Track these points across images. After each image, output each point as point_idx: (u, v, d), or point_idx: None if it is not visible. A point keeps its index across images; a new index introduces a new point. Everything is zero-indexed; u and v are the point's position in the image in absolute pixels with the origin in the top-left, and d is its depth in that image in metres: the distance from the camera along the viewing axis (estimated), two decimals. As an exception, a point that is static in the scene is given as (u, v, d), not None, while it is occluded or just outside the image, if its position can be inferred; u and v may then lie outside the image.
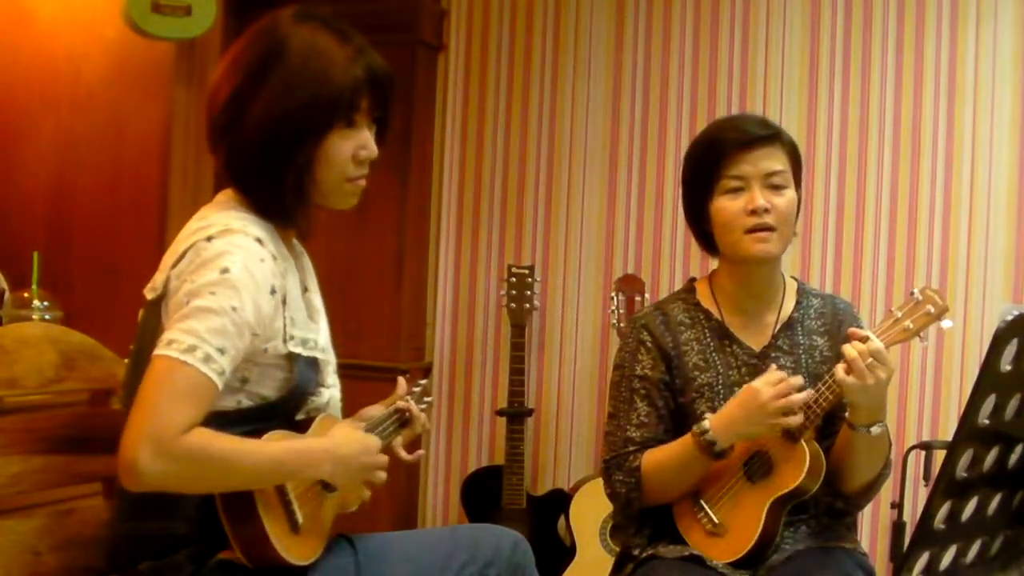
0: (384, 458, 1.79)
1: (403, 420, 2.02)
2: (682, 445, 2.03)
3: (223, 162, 1.76)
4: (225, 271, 1.61)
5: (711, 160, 2.07)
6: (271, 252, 1.69)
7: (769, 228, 2.04)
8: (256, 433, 1.65)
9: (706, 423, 1.99)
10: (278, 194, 1.72)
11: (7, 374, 1.78)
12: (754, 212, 2.03)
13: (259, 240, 1.67)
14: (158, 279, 1.70)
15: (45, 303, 3.02)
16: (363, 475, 1.76)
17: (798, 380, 1.98)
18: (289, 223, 1.77)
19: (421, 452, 2.09)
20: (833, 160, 3.36)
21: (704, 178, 2.08)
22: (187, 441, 1.54)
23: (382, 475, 1.78)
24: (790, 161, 2.09)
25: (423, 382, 2.13)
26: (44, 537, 1.78)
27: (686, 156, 2.16)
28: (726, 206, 2.06)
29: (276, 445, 1.65)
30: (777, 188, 2.05)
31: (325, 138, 1.71)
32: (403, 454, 2.05)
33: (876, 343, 1.91)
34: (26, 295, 3.01)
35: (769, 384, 1.96)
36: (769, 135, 2.07)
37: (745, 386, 1.99)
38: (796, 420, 1.96)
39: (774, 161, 2.06)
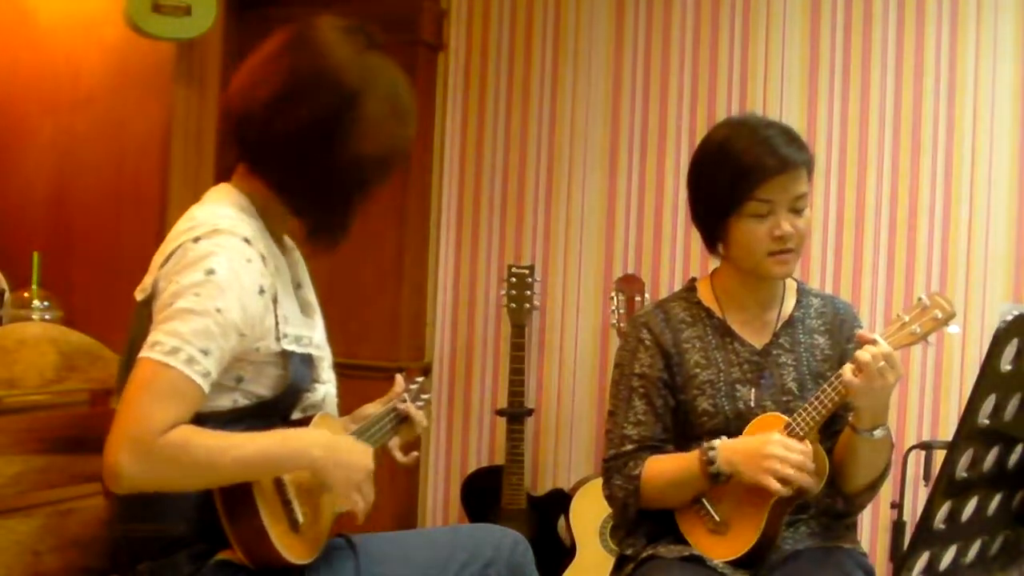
0: (371, 463, 1.76)
1: (400, 418, 2.02)
2: (686, 460, 2.03)
3: (276, 183, 1.76)
4: (210, 272, 1.61)
5: (743, 182, 2.02)
6: (260, 251, 1.69)
7: (791, 251, 2.05)
8: (254, 431, 1.65)
9: (716, 442, 1.99)
10: (332, 223, 1.78)
11: (7, 374, 1.78)
12: (780, 239, 2.03)
13: (247, 240, 1.68)
14: (147, 280, 1.70)
15: (45, 303, 3.02)
16: (354, 473, 1.72)
17: (809, 465, 1.93)
18: (325, 243, 1.81)
19: (416, 454, 2.09)
20: (833, 160, 3.36)
21: (731, 196, 2.03)
22: (166, 441, 1.54)
23: (370, 485, 1.75)
24: (809, 177, 2.08)
25: (420, 379, 2.13)
26: (44, 537, 1.79)
27: (708, 162, 2.10)
28: (751, 229, 2.04)
29: (262, 436, 1.64)
30: (800, 211, 2.05)
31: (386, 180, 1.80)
32: (399, 456, 2.05)
33: (885, 346, 1.92)
34: (26, 295, 3.01)
35: (785, 447, 1.93)
36: (803, 160, 2.04)
37: (770, 434, 1.97)
38: (776, 487, 1.92)
39: (801, 183, 2.05)
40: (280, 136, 1.71)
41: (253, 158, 1.76)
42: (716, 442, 2.00)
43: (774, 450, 1.93)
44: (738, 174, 2.03)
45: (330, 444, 1.69)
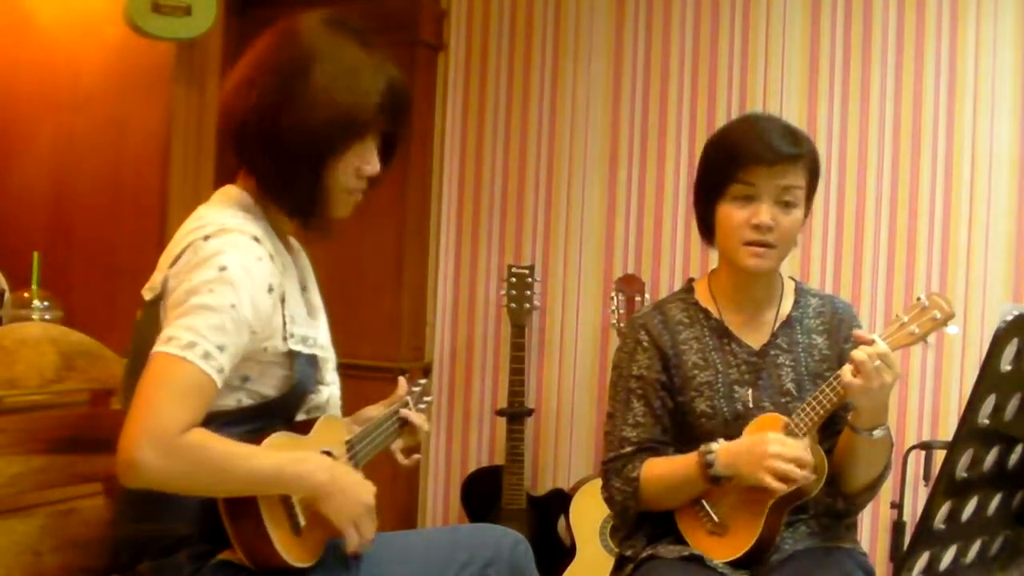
0: (373, 502, 1.75)
1: (403, 422, 2.02)
2: (684, 462, 2.03)
3: (251, 168, 1.76)
4: (223, 269, 1.62)
5: (730, 164, 2.05)
6: (268, 251, 1.69)
7: (768, 245, 2.04)
8: (257, 432, 1.66)
9: (715, 445, 1.99)
10: (309, 202, 1.74)
11: (7, 374, 1.78)
12: (757, 227, 2.03)
13: (256, 239, 1.68)
14: (156, 279, 1.70)
15: (45, 303, 3.02)
16: (352, 507, 1.71)
17: (808, 461, 1.93)
18: (313, 228, 1.78)
19: (418, 457, 2.09)
20: (833, 160, 3.35)
21: (718, 177, 2.07)
22: (187, 440, 1.54)
23: (371, 525, 1.73)
24: (807, 177, 2.08)
25: (423, 382, 2.13)
26: (45, 537, 1.79)
27: (707, 147, 2.14)
28: (732, 214, 2.05)
29: (275, 455, 1.64)
30: (787, 205, 2.05)
31: (348, 152, 1.73)
32: (401, 458, 2.05)
33: (883, 346, 1.92)
34: (26, 295, 3.01)
35: (783, 446, 1.93)
36: (795, 155, 2.04)
37: (764, 434, 1.97)
38: (776, 485, 1.92)
39: (791, 178, 2.04)
40: (252, 126, 1.72)
41: (240, 154, 1.77)
42: (714, 445, 1.99)
43: (771, 448, 1.93)
44: (727, 156, 2.06)
45: (336, 474, 1.70)
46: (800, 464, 1.92)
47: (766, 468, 1.92)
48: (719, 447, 1.99)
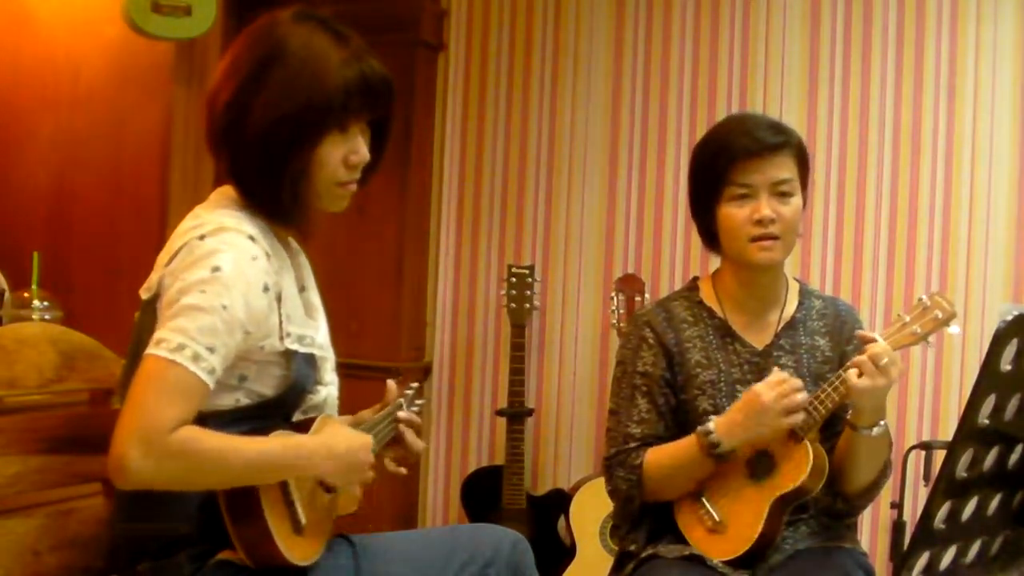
0: (372, 457, 1.78)
1: (399, 424, 2.01)
2: (686, 445, 2.03)
3: (226, 164, 1.76)
4: (216, 269, 1.61)
5: (720, 165, 2.06)
6: (264, 250, 1.69)
7: (773, 237, 2.05)
8: (255, 432, 1.65)
9: (711, 425, 1.99)
10: (277, 196, 1.72)
11: (7, 374, 1.78)
12: (759, 222, 2.04)
13: (252, 238, 1.68)
14: (152, 279, 1.70)
15: (45, 303, 3.01)
16: (356, 473, 1.75)
17: (798, 382, 1.98)
18: (289, 224, 1.78)
19: (404, 471, 2.06)
20: (833, 160, 3.36)
21: (712, 182, 2.08)
22: (176, 439, 1.54)
23: (371, 474, 1.78)
24: (798, 166, 2.09)
25: (415, 385, 2.11)
26: (44, 537, 1.78)
27: (695, 154, 2.16)
28: (732, 213, 2.06)
29: (268, 441, 1.64)
30: (784, 196, 2.06)
31: (320, 142, 1.71)
32: (392, 467, 2.03)
33: (884, 345, 1.92)
34: (26, 295, 3.00)
35: (770, 386, 1.96)
36: (780, 143, 2.06)
37: (748, 390, 1.99)
38: (799, 419, 1.96)
39: (782, 169, 2.06)
40: (224, 122, 1.72)
41: (217, 151, 1.77)
42: (710, 425, 2.00)
43: (768, 396, 1.95)
44: (715, 155, 2.08)
45: (332, 451, 1.70)
46: (794, 388, 1.95)
47: (779, 412, 1.94)
48: (716, 427, 1.99)
